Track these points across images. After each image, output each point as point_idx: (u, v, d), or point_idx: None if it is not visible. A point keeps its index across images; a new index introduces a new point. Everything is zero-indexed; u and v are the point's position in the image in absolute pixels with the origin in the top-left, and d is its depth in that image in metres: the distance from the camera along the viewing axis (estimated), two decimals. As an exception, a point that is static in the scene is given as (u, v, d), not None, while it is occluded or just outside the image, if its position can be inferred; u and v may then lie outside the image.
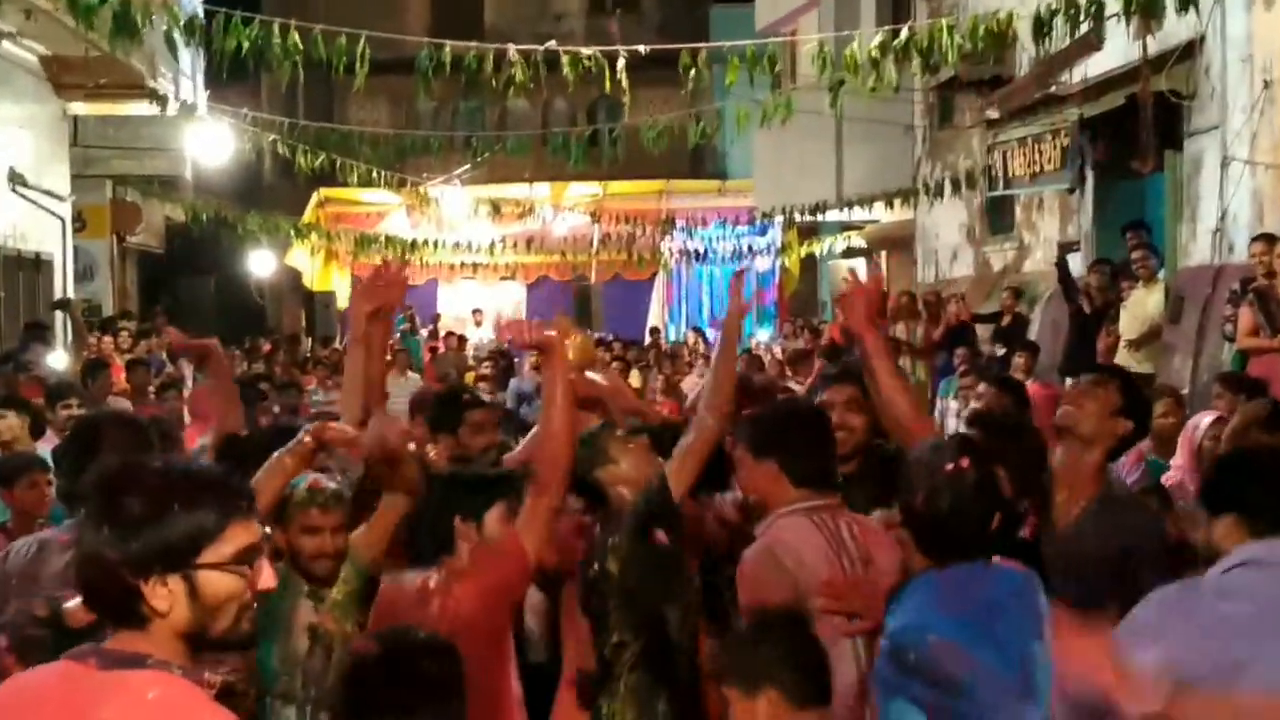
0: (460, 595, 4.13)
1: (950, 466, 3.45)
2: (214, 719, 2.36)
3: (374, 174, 19.04)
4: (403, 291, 5.21)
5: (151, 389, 12.53)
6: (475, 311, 25.05)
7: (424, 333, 24.18)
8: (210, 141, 18.54)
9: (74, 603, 3.19)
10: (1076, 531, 4.43)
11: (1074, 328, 12.60)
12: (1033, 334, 14.65)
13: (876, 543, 4.18)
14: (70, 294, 17.21)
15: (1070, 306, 12.73)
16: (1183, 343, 11.41)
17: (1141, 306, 11.69)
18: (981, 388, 6.83)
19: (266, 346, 20.87)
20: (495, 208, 23.94)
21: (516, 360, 16.90)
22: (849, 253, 23.76)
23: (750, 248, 25.52)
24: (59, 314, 15.69)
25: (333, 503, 4.18)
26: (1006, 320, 14.28)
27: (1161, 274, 11.94)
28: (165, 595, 2.35)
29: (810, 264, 25.69)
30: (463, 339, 22.44)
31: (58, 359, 12.97)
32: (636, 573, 4.31)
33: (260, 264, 25.63)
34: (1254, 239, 9.97)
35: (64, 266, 17.39)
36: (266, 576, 2.49)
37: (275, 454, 4.09)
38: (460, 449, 6.02)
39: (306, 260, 24.78)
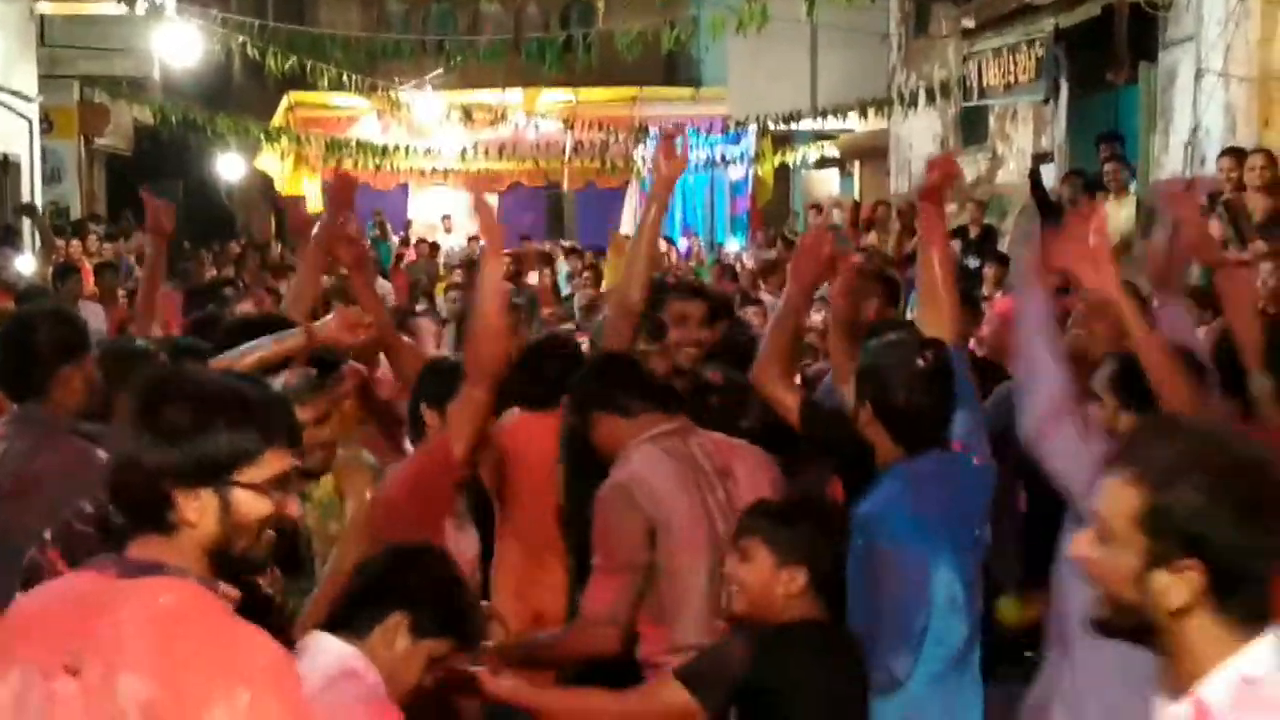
0: (390, 484, 4.10)
1: (921, 363, 3.79)
2: (226, 625, 2.36)
3: (344, 78, 18.88)
4: (351, 191, 5.21)
5: (121, 292, 12.47)
6: (445, 217, 24.90)
7: (395, 239, 24.09)
8: (179, 42, 18.35)
9: None
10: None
11: (1046, 238, 12.61)
12: (1004, 245, 14.69)
13: (733, 455, 4.21)
14: (38, 196, 17.09)
15: (1043, 218, 12.75)
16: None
17: (1113, 219, 11.70)
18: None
19: (236, 250, 20.77)
20: (467, 113, 23.76)
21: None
22: (822, 162, 23.69)
23: (724, 156, 25.41)
24: (25, 220, 15.58)
25: (307, 395, 4.20)
26: (975, 233, 14.29)
27: (1133, 186, 11.97)
28: (197, 507, 2.38)
29: (783, 173, 25.59)
30: (434, 246, 22.35)
31: (26, 263, 12.92)
32: None
33: (230, 168, 25.41)
34: (1222, 153, 10.02)
35: (31, 168, 17.26)
36: (293, 505, 2.54)
37: (266, 338, 4.24)
38: None
39: (276, 164, 24.58)
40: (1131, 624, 2.17)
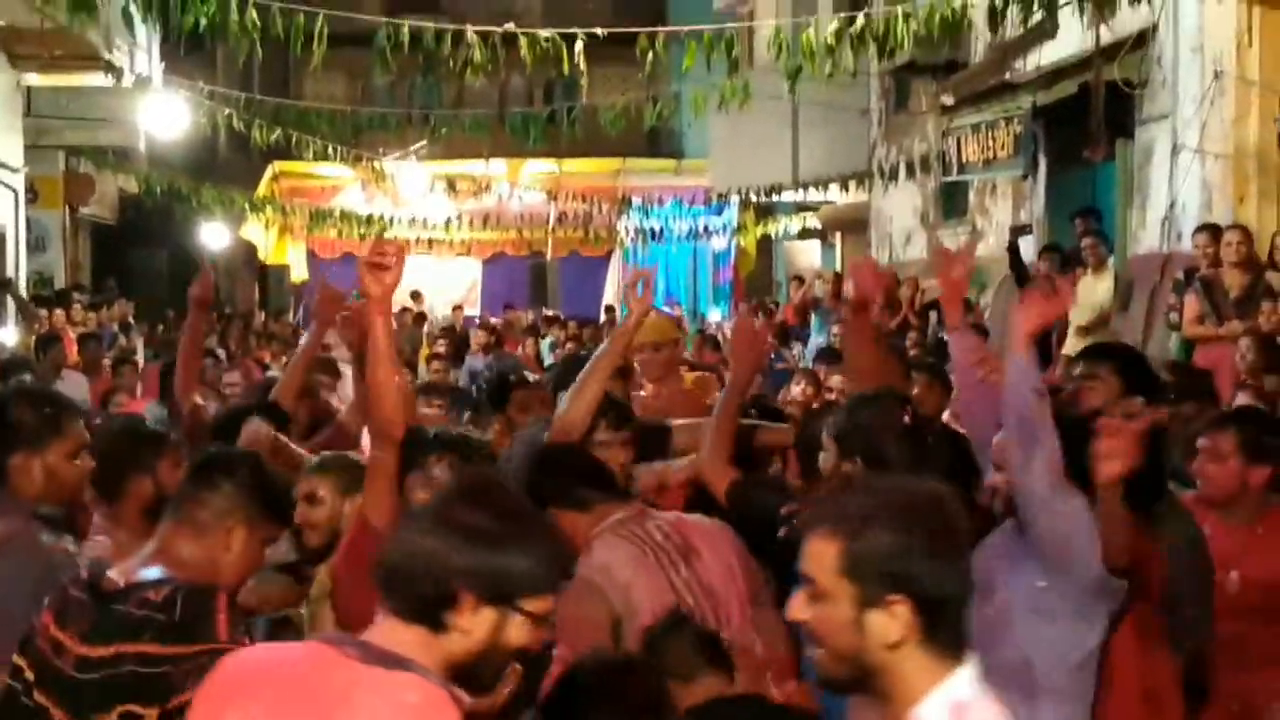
0: (335, 563, 4.06)
1: (906, 420, 4.12)
2: None
3: (329, 149, 18.98)
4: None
5: (106, 362, 12.50)
6: (415, 295, 24.73)
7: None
8: (165, 114, 18.42)
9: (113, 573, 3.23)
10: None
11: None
12: (985, 318, 14.79)
13: (693, 532, 4.24)
14: (23, 265, 17.14)
15: (1020, 292, 12.83)
16: (1130, 330, 11.56)
17: (1091, 293, 11.82)
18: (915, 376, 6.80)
19: (217, 322, 20.80)
20: (451, 184, 23.91)
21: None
22: (804, 234, 23.85)
23: (706, 227, 25.59)
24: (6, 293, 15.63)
25: (332, 468, 4.19)
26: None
27: (1112, 261, 12.08)
28: (478, 619, 2.38)
29: (766, 244, 25.78)
30: (420, 315, 22.38)
31: (8, 334, 12.94)
32: None
33: (214, 237, 25.50)
34: (1197, 230, 10.13)
35: (16, 238, 17.31)
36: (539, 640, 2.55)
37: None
38: (512, 426, 5.96)
39: (261, 234, 24.69)
40: (855, 673, 2.30)
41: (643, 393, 6.23)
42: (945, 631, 2.26)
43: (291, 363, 6.70)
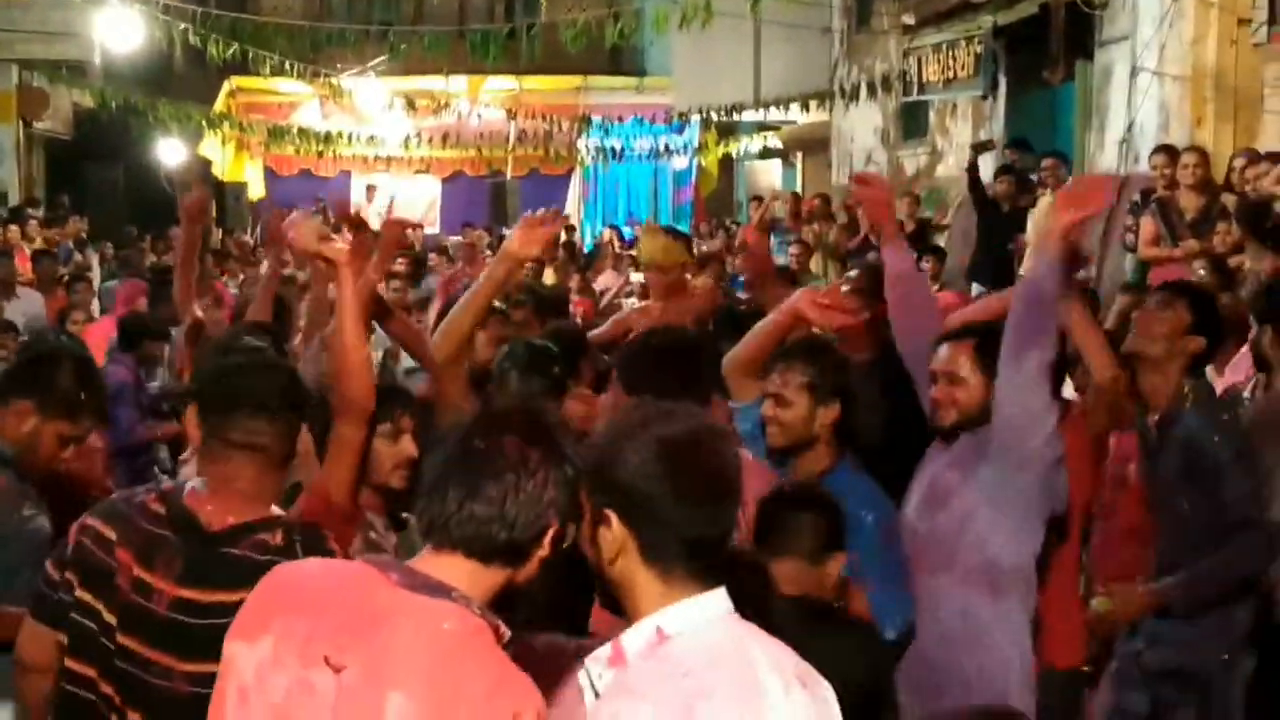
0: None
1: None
2: (504, 666, 2.33)
3: (287, 65, 18.77)
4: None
5: (60, 278, 12.39)
6: (369, 187, 24.48)
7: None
8: (120, 27, 18.16)
9: None
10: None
11: (982, 234, 12.78)
12: (945, 238, 14.84)
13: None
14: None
15: (978, 212, 12.89)
16: (1087, 250, 11.61)
17: (1047, 215, 11.85)
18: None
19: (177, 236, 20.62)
20: (410, 101, 23.69)
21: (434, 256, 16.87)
22: (765, 153, 23.83)
23: (668, 147, 25.47)
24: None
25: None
26: (910, 227, 14.40)
27: (1068, 183, 12.11)
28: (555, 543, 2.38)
29: (727, 164, 25.73)
30: (373, 233, 22.16)
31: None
32: None
33: (170, 153, 25.23)
34: (1154, 150, 10.17)
35: (-32, 152, 17.09)
36: None
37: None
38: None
39: (218, 150, 24.42)
40: (602, 583, 2.40)
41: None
42: (669, 556, 2.31)
43: (260, 287, 6.83)
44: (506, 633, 2.39)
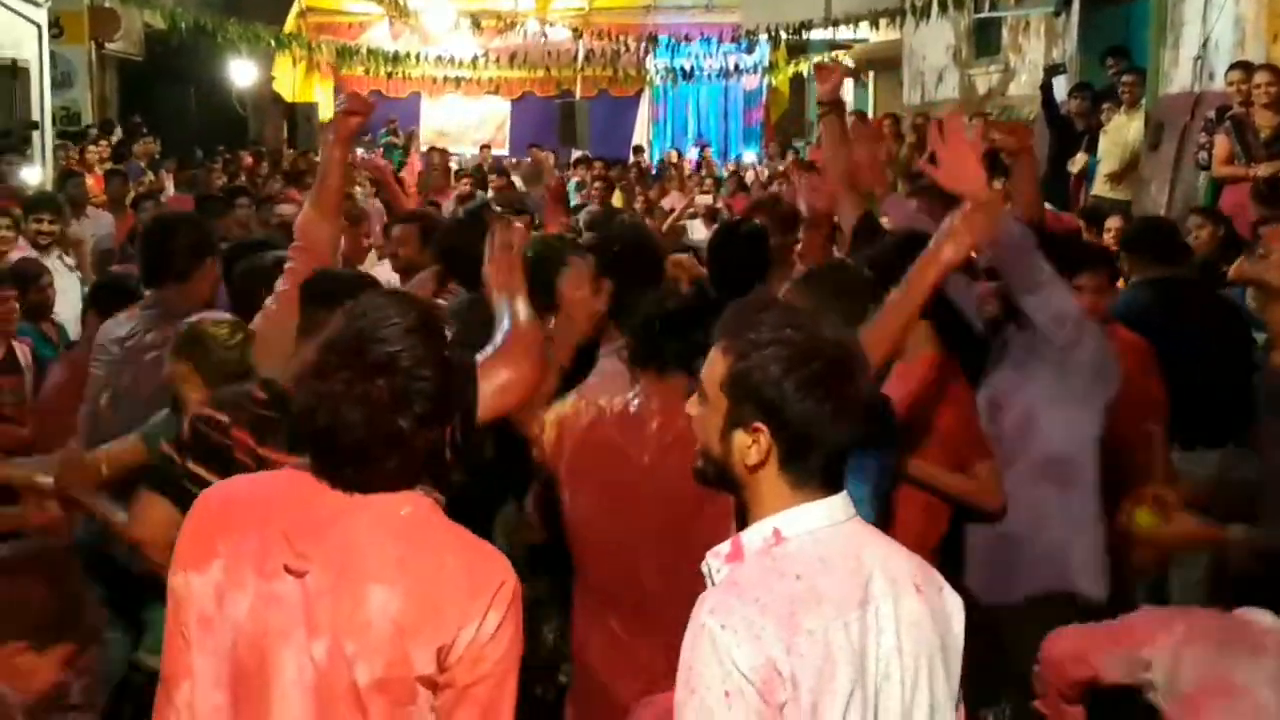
0: None
1: None
2: (470, 543, 2.40)
3: (356, -16, 18.76)
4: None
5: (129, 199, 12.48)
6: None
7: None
8: (189, -53, 18.18)
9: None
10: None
11: (1054, 153, 12.60)
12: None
13: None
14: (47, 101, 17.06)
15: (1051, 131, 12.71)
16: (1160, 171, 11.43)
17: (1121, 133, 11.68)
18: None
19: (248, 159, 20.73)
20: (476, 21, 23.62)
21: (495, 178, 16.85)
22: (836, 73, 23.52)
23: (737, 66, 25.25)
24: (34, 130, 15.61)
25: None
26: (983, 148, 14.16)
27: (1143, 101, 11.91)
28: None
29: (798, 84, 25.45)
30: (445, 153, 22.24)
31: (33, 173, 12.94)
32: None
33: (241, 74, 25.31)
34: (1231, 67, 9.93)
35: (41, 73, 17.20)
36: None
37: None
38: None
39: (288, 71, 24.49)
40: (718, 475, 2.39)
41: None
42: (806, 466, 2.32)
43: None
44: (441, 499, 2.44)
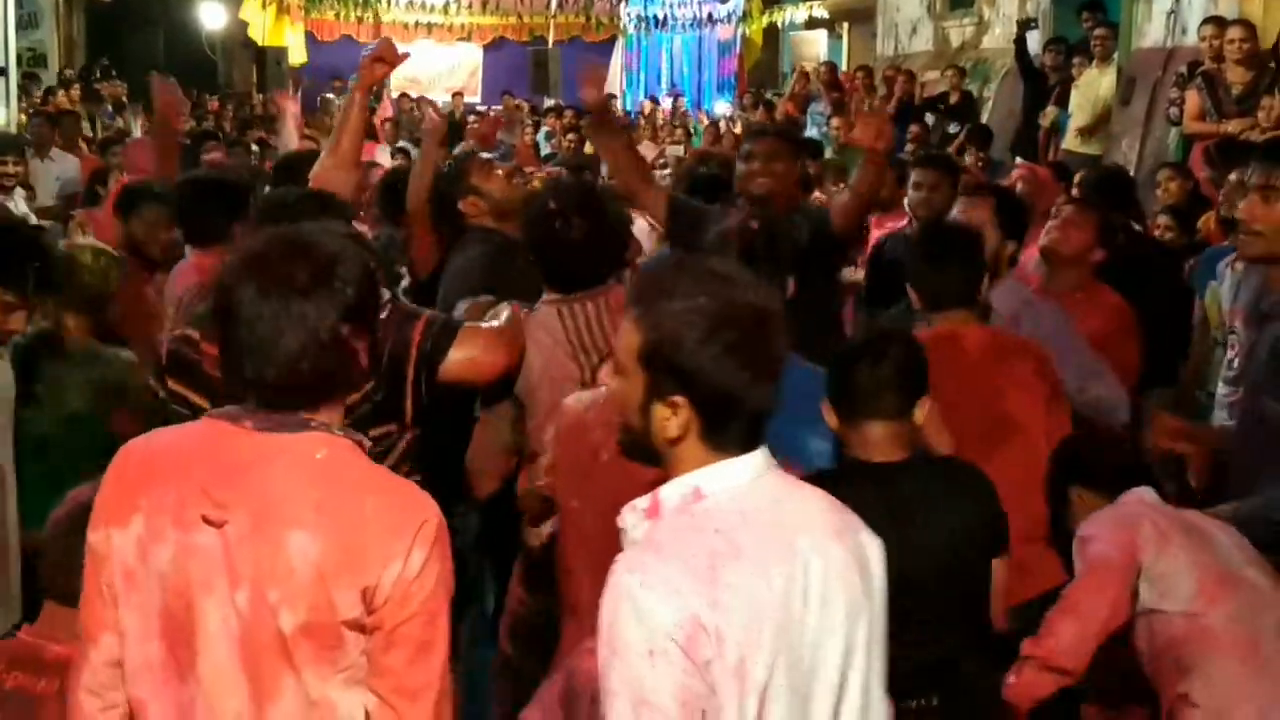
0: None
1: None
2: (390, 482, 2.40)
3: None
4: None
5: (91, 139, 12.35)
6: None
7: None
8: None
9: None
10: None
11: (1027, 106, 12.59)
12: (988, 111, 14.64)
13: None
14: (12, 43, 16.84)
15: (1025, 85, 12.69)
16: (1131, 126, 11.43)
17: (1092, 87, 11.66)
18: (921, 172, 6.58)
19: (214, 103, 20.56)
20: (449, -36, 23.46)
21: (469, 126, 16.77)
22: (811, 23, 23.42)
23: (711, 15, 25.13)
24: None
25: None
26: (955, 99, 14.16)
27: (1115, 55, 11.89)
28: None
29: (772, 34, 25.32)
30: (421, 99, 22.08)
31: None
32: None
33: (211, 17, 25.06)
34: (1204, 21, 9.92)
35: (5, 14, 16.97)
36: None
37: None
38: None
39: (258, 14, 24.24)
40: (641, 447, 2.34)
41: None
42: (726, 430, 2.28)
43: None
44: (368, 444, 2.43)
